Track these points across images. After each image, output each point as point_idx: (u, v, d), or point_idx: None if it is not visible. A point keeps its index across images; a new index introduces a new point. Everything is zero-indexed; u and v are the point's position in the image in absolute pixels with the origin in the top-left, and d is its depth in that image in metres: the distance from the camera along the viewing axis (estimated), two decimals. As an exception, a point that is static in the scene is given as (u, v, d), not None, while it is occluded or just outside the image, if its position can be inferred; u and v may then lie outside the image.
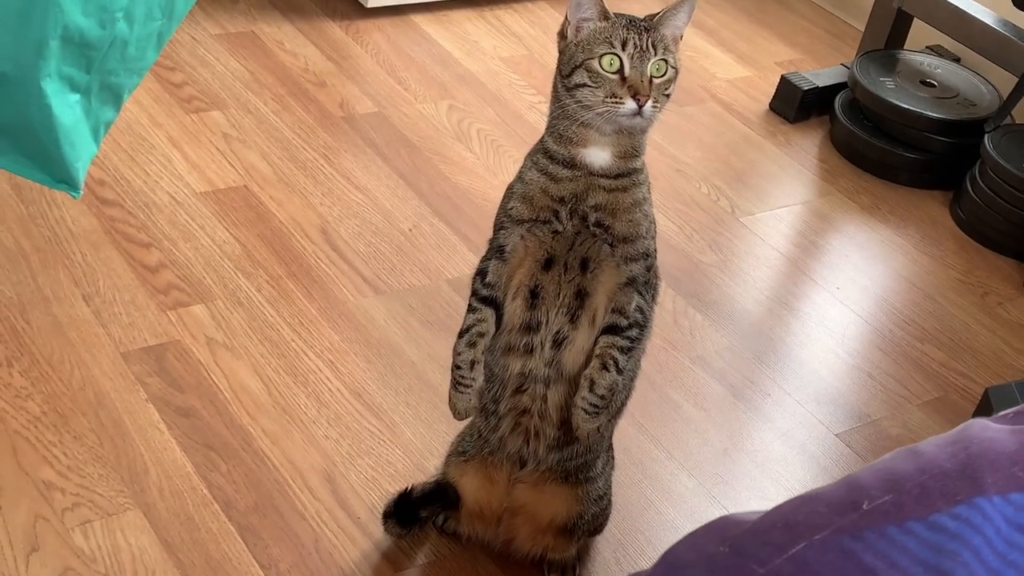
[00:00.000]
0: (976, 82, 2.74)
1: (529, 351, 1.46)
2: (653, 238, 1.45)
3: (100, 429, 1.71)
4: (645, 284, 1.45)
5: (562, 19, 1.41)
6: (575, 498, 1.57)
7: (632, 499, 1.78)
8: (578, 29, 1.38)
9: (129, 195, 2.13)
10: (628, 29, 1.35)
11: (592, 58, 1.35)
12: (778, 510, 0.83)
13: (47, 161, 1.62)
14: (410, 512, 1.63)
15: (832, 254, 2.40)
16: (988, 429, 0.87)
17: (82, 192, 1.71)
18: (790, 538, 0.78)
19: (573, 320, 1.44)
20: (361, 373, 1.89)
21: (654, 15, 1.38)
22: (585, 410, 1.44)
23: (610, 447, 1.64)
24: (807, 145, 2.72)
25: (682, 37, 1.40)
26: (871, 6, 2.85)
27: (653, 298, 1.48)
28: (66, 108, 1.60)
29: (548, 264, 1.43)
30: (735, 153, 2.64)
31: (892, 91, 2.65)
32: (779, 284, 2.29)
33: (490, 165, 2.42)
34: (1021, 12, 2.56)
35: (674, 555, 0.82)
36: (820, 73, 2.83)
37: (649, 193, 1.44)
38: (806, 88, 2.75)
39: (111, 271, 1.96)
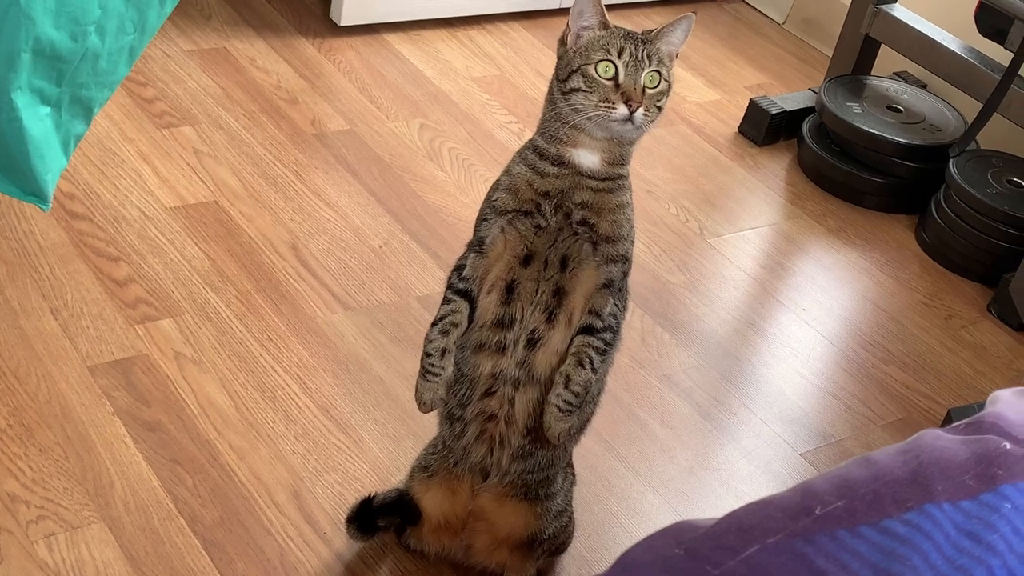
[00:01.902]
0: (941, 108, 2.77)
1: (501, 350, 1.47)
2: (632, 243, 1.48)
3: (66, 442, 1.70)
4: (619, 292, 1.47)
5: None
6: (535, 514, 1.58)
7: (598, 516, 1.79)
8: (578, 36, 1.43)
9: (98, 209, 2.12)
10: (626, 39, 1.40)
11: (589, 64, 1.39)
12: (733, 515, 0.85)
13: (16, 173, 1.62)
14: (369, 520, 1.63)
15: (798, 276, 2.43)
16: (940, 439, 0.89)
17: (51, 205, 1.71)
18: (744, 541, 0.79)
19: (550, 319, 1.45)
20: (329, 389, 1.89)
21: (652, 30, 1.42)
22: (559, 407, 1.44)
23: (569, 464, 1.65)
24: (775, 168, 2.74)
25: (678, 55, 1.44)
26: (839, 32, 2.89)
27: (624, 309, 1.50)
28: (36, 120, 1.61)
29: (527, 260, 1.44)
30: (704, 175, 2.66)
31: (859, 116, 2.68)
32: (746, 305, 2.31)
33: (461, 184, 2.44)
34: (986, 40, 2.60)
35: (630, 557, 0.83)
36: (788, 97, 2.86)
37: (631, 200, 1.47)
38: (774, 112, 2.78)
39: (79, 285, 1.96)
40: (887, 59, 2.92)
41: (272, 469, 1.74)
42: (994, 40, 2.57)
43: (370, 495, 1.64)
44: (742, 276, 2.38)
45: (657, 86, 1.40)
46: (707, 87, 3.00)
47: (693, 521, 0.85)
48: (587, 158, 1.43)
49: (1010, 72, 2.46)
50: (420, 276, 2.16)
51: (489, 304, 1.46)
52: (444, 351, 1.45)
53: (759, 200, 2.63)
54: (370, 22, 2.85)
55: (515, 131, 2.63)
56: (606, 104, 1.38)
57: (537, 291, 1.45)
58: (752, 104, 2.82)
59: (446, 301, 1.47)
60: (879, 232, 2.60)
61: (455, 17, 2.97)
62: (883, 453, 0.88)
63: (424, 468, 1.61)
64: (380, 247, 2.21)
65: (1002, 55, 2.56)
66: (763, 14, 3.39)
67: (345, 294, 2.08)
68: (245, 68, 2.62)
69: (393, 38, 2.86)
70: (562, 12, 3.10)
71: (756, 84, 3.05)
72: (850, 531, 0.80)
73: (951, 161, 2.54)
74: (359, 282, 2.12)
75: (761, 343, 2.22)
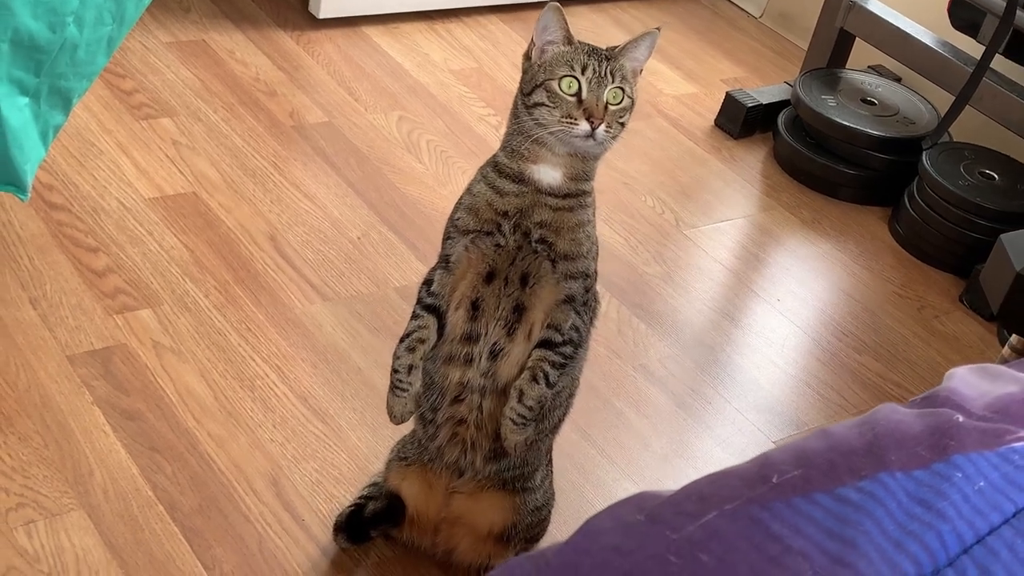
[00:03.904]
0: (915, 100, 2.80)
1: (468, 361, 1.49)
2: (594, 259, 1.49)
3: (45, 431, 1.71)
4: (584, 305, 1.49)
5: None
6: (512, 507, 1.60)
7: (575, 503, 1.81)
8: (543, 51, 1.43)
9: (77, 200, 2.13)
10: (589, 56, 1.41)
11: (552, 79, 1.40)
12: (694, 484, 0.87)
13: (-5, 163, 1.63)
14: (361, 530, 1.65)
15: (773, 267, 2.45)
16: (896, 412, 0.92)
17: (30, 195, 1.72)
18: (702, 508, 0.82)
19: (510, 333, 1.47)
20: (308, 378, 1.91)
21: (616, 47, 1.43)
22: (513, 420, 1.47)
23: (549, 461, 1.67)
24: (751, 160, 2.77)
25: (642, 71, 1.45)
26: (814, 26, 2.91)
27: (590, 320, 1.52)
28: (15, 111, 1.62)
29: (490, 277, 1.46)
30: (680, 167, 2.68)
31: (833, 109, 2.70)
32: (721, 295, 2.33)
33: (439, 176, 2.45)
34: (959, 33, 2.63)
35: (593, 523, 0.86)
36: (764, 91, 2.88)
37: (594, 216, 1.48)
38: (750, 105, 2.81)
39: (58, 275, 1.97)
40: (862, 53, 2.95)
41: (251, 457, 1.75)
42: (967, 33, 2.60)
43: (359, 503, 1.65)
44: (718, 267, 2.40)
45: (620, 102, 1.41)
46: (684, 80, 3.02)
47: (655, 491, 0.88)
48: (548, 174, 1.43)
49: (982, 65, 2.49)
50: (398, 267, 2.18)
51: (457, 320, 1.48)
52: (411, 367, 1.48)
53: (735, 192, 2.65)
54: (348, 15, 2.86)
55: (493, 123, 2.65)
56: (568, 120, 1.39)
57: (498, 307, 1.47)
58: (728, 97, 2.84)
59: (414, 316, 1.49)
60: (853, 224, 2.63)
61: (433, 10, 2.99)
62: (840, 426, 0.91)
63: (402, 459, 1.63)
64: (358, 238, 2.23)
65: (974, 48, 2.59)
66: (740, 8, 3.42)
67: (323, 285, 2.10)
68: (224, 60, 2.63)
69: (371, 31, 2.87)
70: (539, 5, 3.10)
71: (732, 77, 3.07)
72: (805, 498, 0.83)
73: (924, 153, 2.57)
74: (337, 273, 2.13)
75: (736, 333, 2.24)
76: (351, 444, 1.81)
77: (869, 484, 0.83)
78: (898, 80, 2.93)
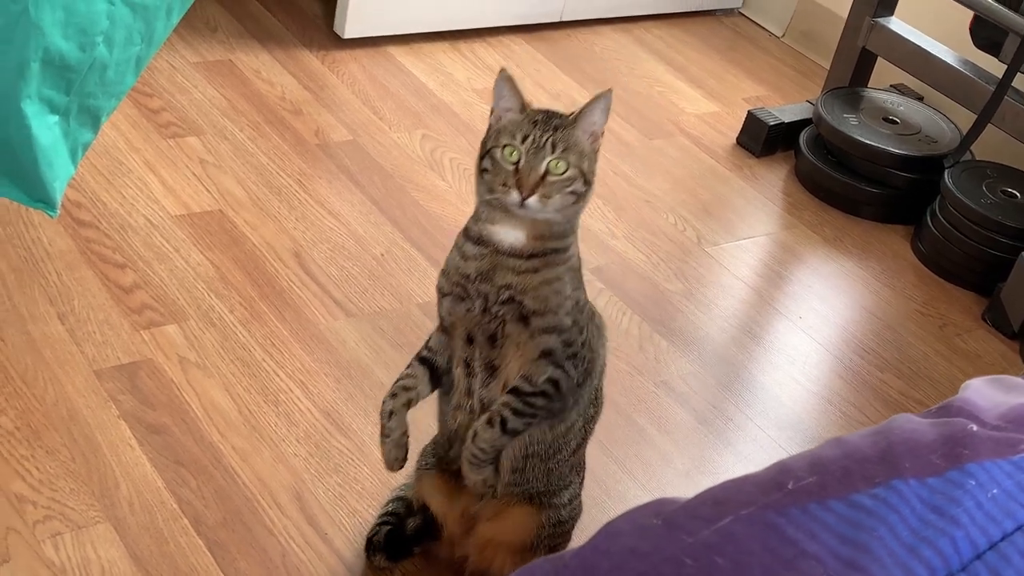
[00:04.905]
0: (937, 119, 2.81)
1: (471, 412, 1.54)
2: (568, 315, 1.46)
3: (72, 444, 1.73)
4: (571, 358, 1.48)
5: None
6: (536, 522, 1.61)
7: (596, 519, 1.81)
8: (499, 118, 1.44)
9: (105, 217, 2.16)
10: (534, 125, 1.40)
11: (497, 147, 1.41)
12: (710, 491, 0.89)
13: (24, 180, 1.65)
14: (403, 547, 1.67)
15: (795, 285, 2.46)
16: (911, 422, 0.93)
17: (59, 212, 1.74)
18: (718, 513, 0.83)
19: (488, 390, 1.51)
20: (331, 393, 1.92)
21: (572, 113, 1.42)
22: (468, 460, 1.51)
23: (581, 480, 1.67)
24: (772, 179, 2.78)
25: (603, 133, 1.44)
26: (836, 45, 2.92)
27: (585, 371, 1.51)
28: (45, 129, 1.64)
29: (469, 338, 1.49)
30: (702, 185, 2.69)
31: (855, 127, 2.71)
32: (743, 313, 2.34)
33: (461, 193, 2.47)
34: (981, 52, 2.63)
35: (612, 527, 0.87)
36: (786, 109, 2.89)
37: (569, 273, 1.46)
38: (772, 124, 2.82)
39: (86, 291, 2.00)
40: (884, 72, 2.96)
41: (274, 471, 1.77)
42: (989, 52, 2.60)
43: (387, 521, 1.67)
44: (739, 284, 2.41)
45: (564, 173, 1.39)
46: (706, 99, 3.03)
47: (672, 498, 0.89)
48: (510, 234, 1.43)
49: (1004, 83, 2.49)
50: (421, 283, 2.20)
51: (459, 376, 1.53)
52: (391, 413, 1.52)
53: (756, 210, 2.66)
54: (373, 35, 2.89)
55: (516, 142, 2.66)
56: (503, 188, 1.39)
57: (477, 366, 1.50)
58: (750, 116, 2.85)
59: (407, 366, 1.55)
60: (875, 242, 2.63)
61: (457, 30, 3.01)
62: (855, 435, 0.92)
63: (425, 466, 1.66)
64: (382, 255, 2.25)
65: (996, 67, 2.59)
66: (762, 27, 3.43)
67: (347, 301, 2.12)
68: (250, 80, 2.66)
69: (396, 50, 2.90)
70: (563, 25, 3.14)
71: (754, 96, 3.08)
72: (820, 504, 0.84)
73: (946, 172, 2.57)
74: (361, 289, 2.15)
75: (758, 350, 2.25)
76: (374, 459, 1.82)
77: (883, 491, 0.84)
78: (920, 99, 2.94)
